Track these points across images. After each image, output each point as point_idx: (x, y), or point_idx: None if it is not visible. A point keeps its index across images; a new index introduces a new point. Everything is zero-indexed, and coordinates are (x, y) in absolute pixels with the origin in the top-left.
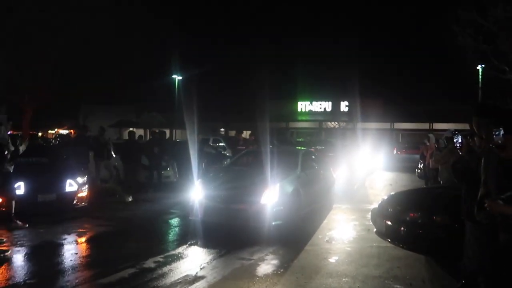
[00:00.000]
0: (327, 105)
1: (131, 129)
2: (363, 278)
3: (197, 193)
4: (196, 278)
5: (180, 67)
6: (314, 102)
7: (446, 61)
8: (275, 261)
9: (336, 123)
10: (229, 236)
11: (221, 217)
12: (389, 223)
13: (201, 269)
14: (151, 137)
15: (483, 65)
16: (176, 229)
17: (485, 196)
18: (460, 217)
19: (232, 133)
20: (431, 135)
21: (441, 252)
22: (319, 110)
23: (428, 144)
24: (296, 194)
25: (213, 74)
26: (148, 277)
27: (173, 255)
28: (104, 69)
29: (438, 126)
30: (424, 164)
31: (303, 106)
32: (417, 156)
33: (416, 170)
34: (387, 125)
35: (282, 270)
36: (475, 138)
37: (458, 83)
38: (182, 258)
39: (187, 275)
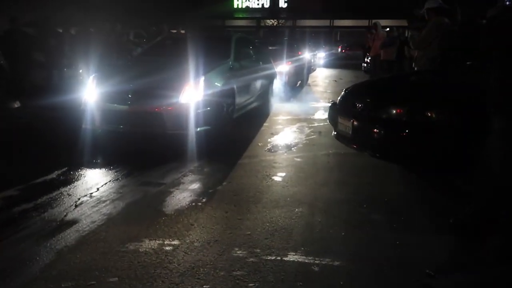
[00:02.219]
0: (265, 1)
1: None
2: (324, 206)
3: (91, 92)
4: (60, 226)
5: None
6: None
7: None
8: (195, 185)
9: (275, 20)
10: (134, 150)
11: (125, 124)
12: (357, 123)
13: (76, 206)
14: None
15: None
16: (63, 144)
17: None
18: (467, 111)
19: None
20: (378, 22)
21: (437, 163)
22: (256, 6)
23: (375, 32)
24: (229, 89)
25: None
26: None
27: (39, 184)
28: None
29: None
30: (370, 57)
31: (239, 2)
32: (359, 53)
33: (363, 64)
34: (326, 22)
35: (204, 200)
36: None
37: None
38: (51, 189)
39: (47, 222)
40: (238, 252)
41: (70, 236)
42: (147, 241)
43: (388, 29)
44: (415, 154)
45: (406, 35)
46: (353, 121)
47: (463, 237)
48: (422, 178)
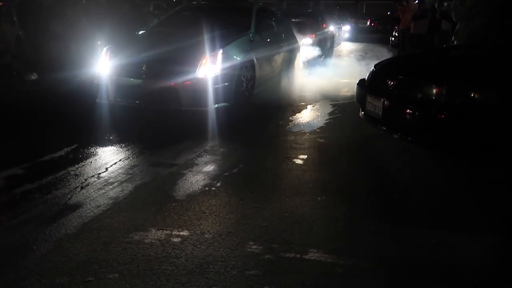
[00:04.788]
0: None
1: None
2: (350, 194)
3: (104, 65)
4: (62, 211)
5: None
6: None
7: None
8: (210, 168)
9: None
10: (148, 127)
11: (139, 99)
12: (388, 103)
13: (82, 188)
14: None
15: None
16: (75, 119)
17: None
18: None
19: None
20: None
21: (479, 151)
22: None
23: (406, 3)
24: (249, 63)
25: None
26: None
27: (46, 163)
28: None
29: None
30: (399, 30)
31: None
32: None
33: (391, 38)
34: None
35: (218, 185)
36: None
37: None
38: (58, 168)
39: (49, 206)
40: (253, 247)
41: (72, 222)
42: (153, 230)
43: (417, 0)
44: (454, 140)
45: (441, 6)
46: (383, 101)
47: (510, 239)
48: (459, 167)
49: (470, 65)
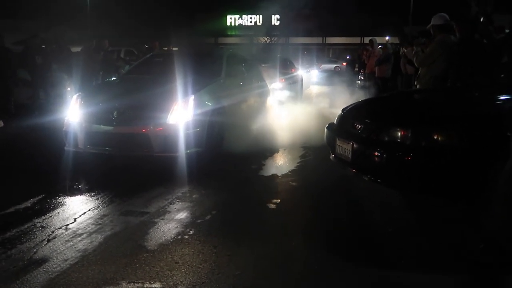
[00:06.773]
0: (257, 19)
1: None
2: (323, 238)
3: (74, 112)
4: (26, 266)
5: None
6: (244, 16)
7: None
8: (182, 215)
9: (268, 38)
10: (118, 175)
11: (110, 145)
12: (357, 146)
13: (48, 241)
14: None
15: None
16: (43, 167)
17: None
18: (479, 133)
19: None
20: (374, 39)
21: (444, 191)
22: (249, 24)
23: (371, 49)
24: (220, 108)
25: None
26: None
27: (11, 215)
28: None
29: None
30: (365, 74)
31: (232, 20)
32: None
33: (357, 81)
34: (319, 40)
35: (191, 233)
36: None
37: None
38: (24, 220)
39: (13, 261)
40: None
41: (37, 278)
42: (124, 284)
43: (381, 46)
44: (420, 181)
45: (400, 51)
46: (352, 144)
47: (481, 275)
48: (428, 206)
49: (433, 108)
